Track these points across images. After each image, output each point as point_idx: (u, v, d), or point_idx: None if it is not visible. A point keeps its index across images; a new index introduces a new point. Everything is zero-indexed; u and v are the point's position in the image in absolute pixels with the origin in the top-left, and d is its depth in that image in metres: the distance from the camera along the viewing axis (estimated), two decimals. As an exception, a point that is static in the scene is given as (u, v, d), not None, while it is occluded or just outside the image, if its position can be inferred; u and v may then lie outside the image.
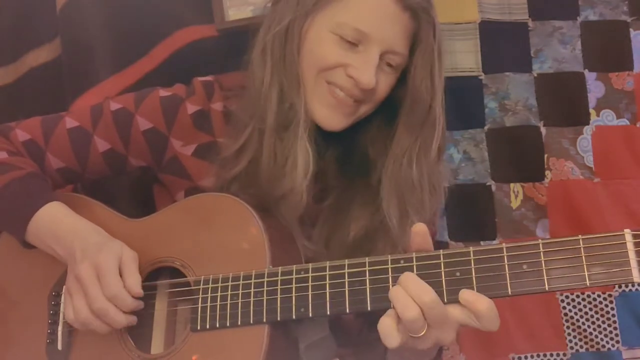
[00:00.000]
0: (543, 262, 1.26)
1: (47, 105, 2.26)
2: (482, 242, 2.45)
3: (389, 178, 1.67)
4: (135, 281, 1.53)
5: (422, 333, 1.30)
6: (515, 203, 2.49)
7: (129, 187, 2.10)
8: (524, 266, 1.27)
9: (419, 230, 1.38)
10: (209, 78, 1.81)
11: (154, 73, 2.30)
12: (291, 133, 1.63)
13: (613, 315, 2.43)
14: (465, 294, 1.30)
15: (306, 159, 1.62)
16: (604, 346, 2.41)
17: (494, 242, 2.45)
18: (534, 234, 2.47)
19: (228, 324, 1.48)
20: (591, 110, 2.52)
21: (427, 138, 1.67)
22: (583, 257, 1.24)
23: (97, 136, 1.75)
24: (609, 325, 2.42)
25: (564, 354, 2.41)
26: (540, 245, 1.27)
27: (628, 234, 1.23)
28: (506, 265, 1.29)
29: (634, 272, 1.22)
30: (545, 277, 1.25)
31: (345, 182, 1.75)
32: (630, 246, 1.23)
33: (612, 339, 2.41)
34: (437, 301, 1.29)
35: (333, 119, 1.66)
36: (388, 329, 1.32)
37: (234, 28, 2.28)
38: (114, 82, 2.28)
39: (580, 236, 1.26)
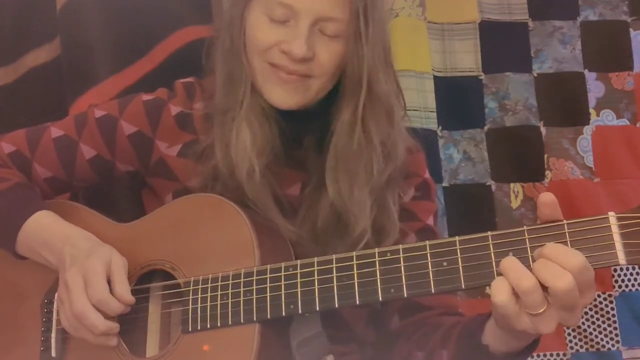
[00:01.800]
0: (529, 248, 1.25)
1: (47, 106, 2.28)
2: (482, 243, 2.45)
3: (332, 147, 1.65)
4: (124, 289, 1.52)
5: (543, 309, 1.22)
6: (515, 203, 2.49)
7: (118, 194, 2.08)
8: (510, 253, 1.25)
9: (546, 200, 1.29)
10: (189, 79, 1.81)
11: (154, 73, 2.30)
12: (230, 117, 1.64)
13: (613, 316, 2.43)
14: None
15: (244, 140, 1.62)
16: (604, 346, 2.41)
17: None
18: (534, 234, 2.46)
19: (219, 324, 1.47)
20: (591, 110, 2.53)
21: (364, 102, 1.62)
22: (568, 242, 1.23)
23: (83, 143, 1.75)
24: (609, 325, 2.43)
25: (564, 354, 2.40)
26: (525, 232, 1.26)
27: (612, 217, 1.23)
28: (492, 254, 1.27)
29: (619, 254, 1.21)
30: (531, 264, 1.23)
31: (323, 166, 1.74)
32: (615, 229, 1.22)
33: (612, 339, 2.41)
34: (572, 283, 1.20)
35: (286, 98, 1.63)
36: (499, 286, 1.23)
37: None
38: (113, 82, 2.28)
39: (564, 221, 1.25)
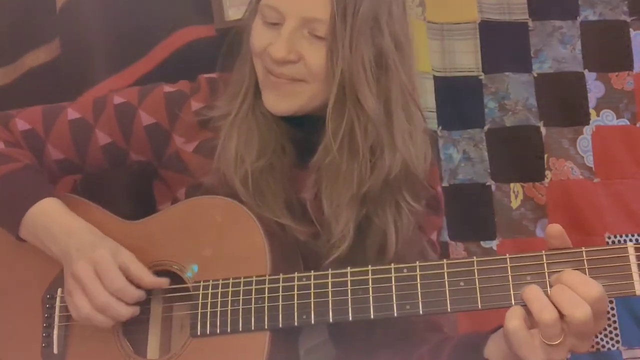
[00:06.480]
0: (546, 273, 1.26)
1: (46, 106, 2.27)
2: (481, 242, 2.46)
3: (317, 156, 1.62)
4: (140, 268, 1.54)
5: (560, 340, 1.24)
6: (515, 203, 2.49)
7: (128, 183, 2.07)
8: (528, 277, 1.27)
9: (554, 233, 1.30)
10: (213, 75, 1.79)
11: (154, 73, 2.30)
12: (227, 121, 1.65)
13: (613, 315, 2.44)
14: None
15: (228, 148, 1.63)
16: (604, 346, 2.42)
17: (494, 242, 2.46)
18: (534, 234, 2.48)
19: (229, 330, 1.47)
20: (591, 110, 2.53)
21: (349, 110, 1.57)
22: (586, 269, 1.24)
23: (99, 129, 1.73)
24: (609, 325, 2.44)
25: (564, 354, 2.41)
26: (544, 256, 1.27)
27: (631, 247, 1.23)
28: (510, 276, 1.28)
29: (637, 285, 1.22)
30: (548, 289, 1.25)
31: None
32: (633, 259, 1.23)
33: (612, 339, 2.42)
34: (589, 314, 1.21)
35: (278, 102, 1.61)
36: (519, 333, 1.24)
37: (234, 28, 2.28)
38: (113, 83, 2.27)
39: (583, 248, 1.26)
